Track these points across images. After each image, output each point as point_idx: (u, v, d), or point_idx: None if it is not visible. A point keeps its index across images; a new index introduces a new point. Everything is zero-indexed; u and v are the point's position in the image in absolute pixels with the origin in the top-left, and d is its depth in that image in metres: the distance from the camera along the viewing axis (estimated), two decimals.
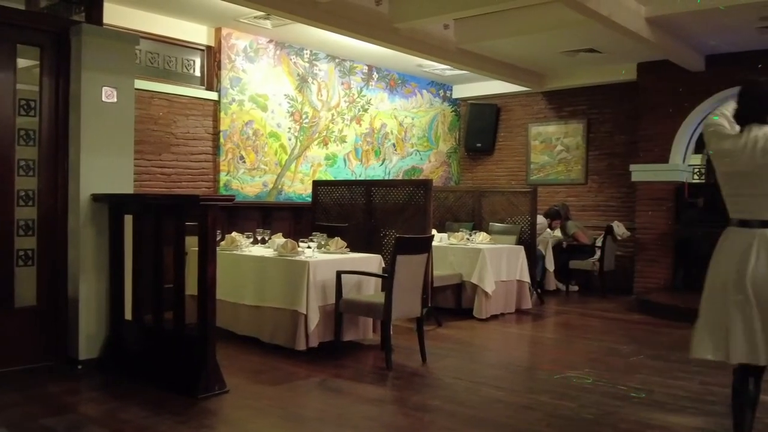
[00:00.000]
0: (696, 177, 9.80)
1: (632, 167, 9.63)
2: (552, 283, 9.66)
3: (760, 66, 8.51)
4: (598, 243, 9.62)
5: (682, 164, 9.41)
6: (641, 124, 9.61)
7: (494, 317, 7.55)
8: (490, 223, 8.75)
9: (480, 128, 11.61)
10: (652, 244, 9.45)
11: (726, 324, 3.27)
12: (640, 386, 4.88)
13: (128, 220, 5.11)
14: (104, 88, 5.11)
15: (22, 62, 5.04)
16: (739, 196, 3.38)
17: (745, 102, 3.40)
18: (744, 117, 3.35)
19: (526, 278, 8.06)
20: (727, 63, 8.78)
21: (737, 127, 3.36)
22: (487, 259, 7.41)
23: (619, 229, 9.61)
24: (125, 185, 5.27)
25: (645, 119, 9.56)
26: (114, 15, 6.79)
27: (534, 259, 8.52)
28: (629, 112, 10.05)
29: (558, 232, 9.87)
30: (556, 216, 9.80)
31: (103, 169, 5.13)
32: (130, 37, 5.55)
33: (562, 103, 10.99)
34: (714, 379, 5.10)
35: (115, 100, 5.18)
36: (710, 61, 8.95)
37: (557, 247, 9.72)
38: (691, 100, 9.16)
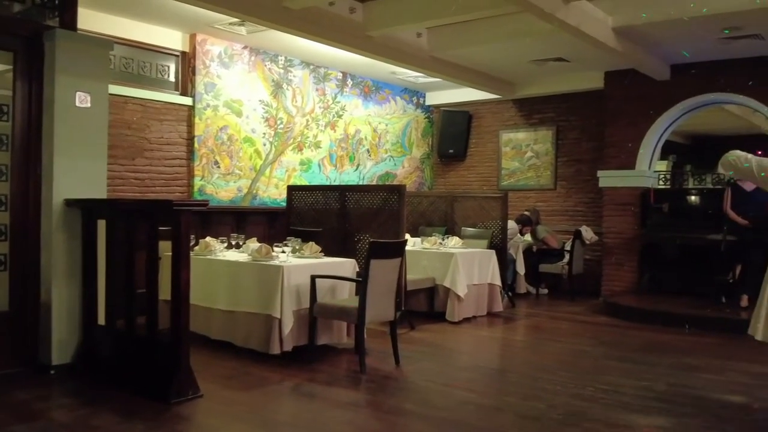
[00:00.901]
0: (661, 183, 9.91)
1: (600, 173, 9.72)
2: (523, 287, 9.72)
3: (720, 79, 8.67)
4: (567, 247, 9.71)
5: (648, 170, 9.52)
6: (608, 131, 9.70)
7: (466, 320, 7.56)
8: (462, 228, 8.78)
9: (452, 135, 11.66)
10: (618, 248, 9.54)
11: None
12: (607, 387, 4.91)
13: (101, 225, 5.02)
14: (78, 93, 5.02)
15: None
16: None
17: None
18: None
19: (498, 282, 8.09)
20: (692, 72, 8.91)
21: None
22: (460, 263, 7.43)
23: (587, 233, 9.70)
24: (98, 190, 5.18)
25: (612, 126, 9.66)
26: (88, 20, 6.69)
27: (505, 262, 8.55)
28: (597, 120, 10.14)
29: (528, 237, 9.92)
30: (527, 222, 9.85)
31: (77, 173, 5.04)
32: (105, 43, 5.48)
33: (532, 110, 11.07)
34: (679, 380, 5.18)
35: (88, 105, 5.09)
36: (675, 71, 9.07)
37: (527, 251, 9.78)
38: (656, 108, 9.27)
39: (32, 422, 3.89)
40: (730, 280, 8.17)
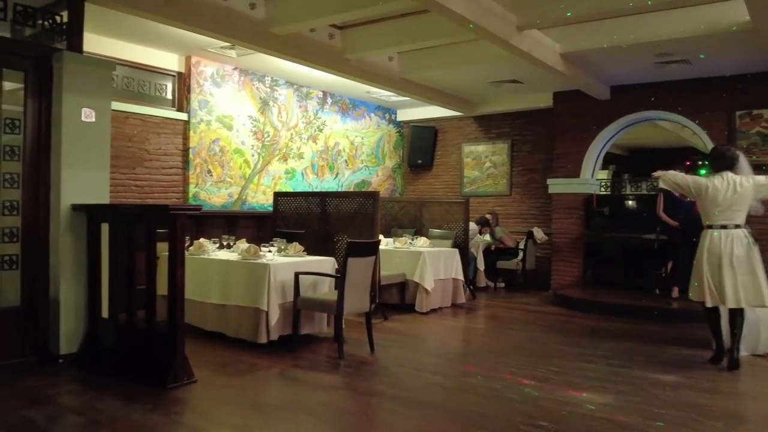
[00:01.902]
0: (602, 189, 10.03)
1: (549, 181, 9.82)
2: (482, 281, 9.75)
3: (653, 98, 8.80)
4: (521, 246, 9.77)
5: (591, 178, 9.62)
6: (556, 144, 9.80)
7: (433, 311, 7.58)
8: (430, 229, 8.80)
9: (420, 147, 11.68)
10: (566, 246, 9.63)
11: (716, 282, 5.08)
12: (557, 369, 4.96)
13: (105, 227, 4.95)
14: (83, 109, 4.96)
15: (7, 85, 4.86)
16: (720, 212, 5.15)
17: (717, 160, 5.31)
18: (718, 168, 5.26)
19: (461, 276, 8.12)
20: (629, 93, 9.05)
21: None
22: (427, 261, 7.45)
23: (539, 233, 9.78)
24: (102, 196, 5.11)
25: (560, 140, 9.75)
26: (93, 43, 6.61)
27: (467, 260, 8.58)
28: (546, 134, 10.23)
29: (488, 237, 9.98)
30: (486, 224, 9.91)
31: (82, 181, 4.97)
32: (108, 64, 5.40)
33: (490, 126, 11.14)
34: (619, 362, 5.23)
35: (93, 119, 5.02)
36: (615, 91, 9.19)
37: (486, 250, 9.83)
38: (598, 124, 9.39)
39: (43, 406, 3.83)
40: (663, 275, 8.30)
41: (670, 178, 5.42)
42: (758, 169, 8.17)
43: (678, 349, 5.77)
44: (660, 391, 4.41)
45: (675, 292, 7.95)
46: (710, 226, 5.22)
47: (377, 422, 3.78)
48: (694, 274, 5.30)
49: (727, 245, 5.08)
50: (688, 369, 5.06)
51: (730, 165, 5.23)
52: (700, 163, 10.89)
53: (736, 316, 5.10)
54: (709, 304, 5.18)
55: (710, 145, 8.57)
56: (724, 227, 5.14)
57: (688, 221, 7.76)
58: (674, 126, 10.50)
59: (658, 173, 5.57)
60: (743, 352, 5.33)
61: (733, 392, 4.61)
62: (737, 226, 5.12)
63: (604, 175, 11.47)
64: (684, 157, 11.59)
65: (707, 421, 3.81)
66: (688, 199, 5.90)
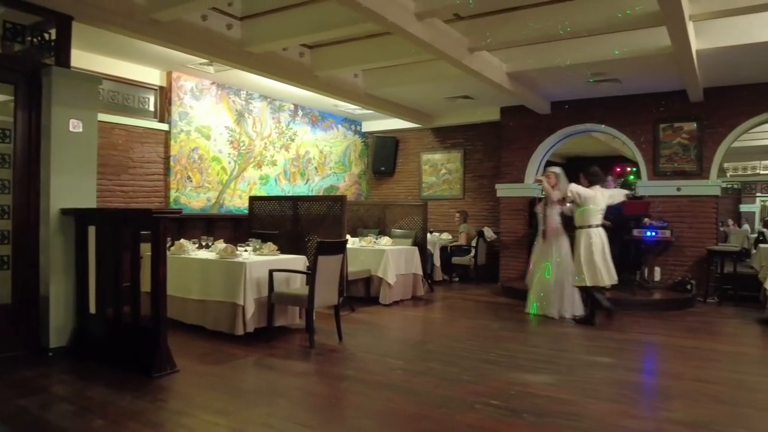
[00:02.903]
0: (544, 193, 10.17)
1: (497, 186, 9.96)
2: (439, 275, 9.85)
3: (588, 113, 9.02)
4: (473, 244, 9.90)
5: (533, 184, 9.79)
6: (503, 153, 9.95)
7: (396, 303, 7.62)
8: (392, 229, 8.84)
9: (383, 155, 11.73)
10: (512, 244, 9.79)
11: (602, 267, 6.29)
12: (506, 353, 5.05)
13: (92, 230, 4.85)
14: (71, 120, 4.85)
15: None
16: (591, 216, 6.38)
17: (595, 177, 6.56)
18: (594, 182, 6.52)
19: (420, 272, 8.18)
20: (567, 108, 9.25)
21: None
22: (390, 258, 7.49)
23: (489, 232, 9.92)
24: (89, 201, 5.01)
25: (506, 150, 9.91)
26: (81, 59, 6.48)
27: (425, 256, 8.66)
28: (495, 145, 10.38)
29: (444, 236, 10.13)
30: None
31: (70, 187, 4.86)
32: (94, 78, 5.30)
33: (446, 137, 11.26)
34: (560, 346, 5.35)
35: (80, 130, 4.91)
36: (554, 106, 9.38)
37: (442, 248, 9.94)
38: (539, 136, 9.57)
39: (35, 395, 3.73)
40: None
41: (572, 189, 6.53)
42: (679, 174, 8.50)
43: (612, 334, 5.93)
44: (596, 371, 4.53)
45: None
46: (590, 226, 6.37)
47: (345, 403, 3.80)
48: (587, 265, 6.27)
49: (603, 239, 6.35)
50: (620, 352, 5.19)
51: (601, 181, 6.65)
52: (629, 170, 11.21)
53: (603, 290, 6.43)
54: (607, 284, 6.34)
55: (638, 154, 8.84)
56: (598, 226, 6.39)
57: (618, 221, 7.98)
58: (606, 137, 10.76)
59: (540, 178, 6.73)
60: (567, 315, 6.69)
61: (662, 372, 4.76)
62: (600, 226, 6.41)
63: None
64: (615, 164, 11.93)
65: (637, 396, 3.94)
66: (580, 207, 6.56)
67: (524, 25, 5.99)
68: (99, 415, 3.43)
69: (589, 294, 6.46)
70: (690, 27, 5.58)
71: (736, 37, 6.13)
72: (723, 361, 4.92)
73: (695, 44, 6.16)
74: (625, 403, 3.76)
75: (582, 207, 6.46)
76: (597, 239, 6.34)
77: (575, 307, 6.79)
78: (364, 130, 11.88)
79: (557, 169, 7.27)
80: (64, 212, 4.82)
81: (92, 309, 4.83)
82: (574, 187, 6.52)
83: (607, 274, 6.29)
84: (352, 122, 11.57)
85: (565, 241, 6.92)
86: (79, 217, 4.88)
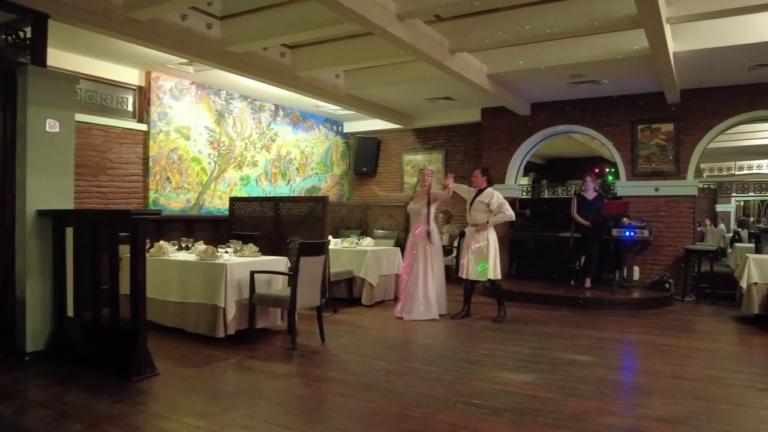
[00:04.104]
0: (524, 194, 10.29)
1: None
2: None
3: (567, 113, 9.12)
4: (455, 244, 9.92)
5: (515, 184, 9.89)
6: (484, 154, 10.02)
7: (378, 303, 7.61)
8: (374, 230, 8.85)
9: (365, 156, 11.73)
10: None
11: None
12: (487, 352, 5.07)
13: (69, 231, 4.78)
14: (48, 120, 4.77)
15: None
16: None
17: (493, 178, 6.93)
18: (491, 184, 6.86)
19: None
20: (547, 109, 9.35)
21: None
22: (372, 258, 7.48)
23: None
24: (66, 202, 4.93)
25: (487, 150, 9.98)
26: (58, 58, 6.38)
27: None
28: (476, 145, 10.45)
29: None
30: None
31: (47, 188, 4.78)
32: (71, 78, 5.22)
33: (427, 137, 11.30)
34: (540, 345, 5.39)
35: (57, 130, 4.83)
36: (534, 108, 9.48)
37: None
38: (520, 137, 9.66)
39: (11, 401, 3.66)
40: (577, 268, 8.54)
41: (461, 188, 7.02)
42: (657, 174, 8.63)
43: (592, 333, 6.00)
44: (576, 369, 4.57)
45: (587, 283, 8.22)
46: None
47: (327, 405, 3.78)
48: (496, 258, 6.66)
49: (486, 237, 6.67)
50: (599, 350, 5.24)
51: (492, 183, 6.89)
52: (608, 170, 11.35)
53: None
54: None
55: (616, 155, 8.96)
56: (474, 225, 6.73)
57: (598, 221, 8.09)
58: (585, 138, 10.91)
59: (449, 182, 6.86)
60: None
61: (641, 369, 4.83)
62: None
63: (525, 181, 11.77)
64: (593, 165, 12.07)
65: (617, 394, 3.99)
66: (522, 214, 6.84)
67: (505, 26, 6.04)
68: (76, 419, 3.37)
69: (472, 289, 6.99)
70: (667, 30, 5.68)
71: (712, 39, 6.25)
72: (700, 358, 5.00)
73: (672, 47, 6.26)
74: (605, 401, 3.80)
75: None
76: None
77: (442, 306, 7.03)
78: (345, 130, 11.87)
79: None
80: (41, 213, 4.74)
81: (70, 312, 4.76)
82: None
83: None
84: (333, 123, 11.55)
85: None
86: (56, 219, 4.80)
